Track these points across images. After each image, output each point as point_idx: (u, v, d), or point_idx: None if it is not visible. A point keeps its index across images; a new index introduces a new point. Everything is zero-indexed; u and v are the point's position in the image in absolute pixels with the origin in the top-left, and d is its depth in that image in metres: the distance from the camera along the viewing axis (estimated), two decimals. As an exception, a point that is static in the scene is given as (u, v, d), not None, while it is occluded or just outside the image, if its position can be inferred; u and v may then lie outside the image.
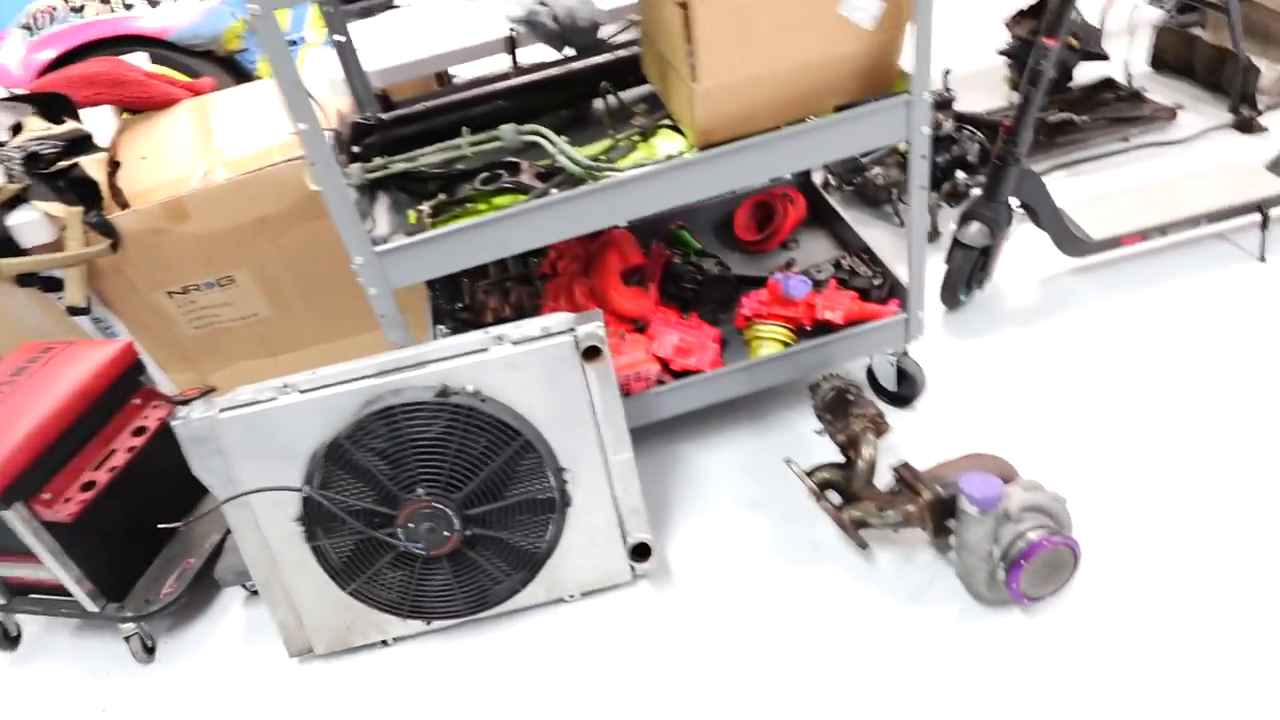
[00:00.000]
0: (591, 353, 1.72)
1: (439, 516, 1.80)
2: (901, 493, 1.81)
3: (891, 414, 2.25)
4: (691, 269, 2.28)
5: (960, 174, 2.85)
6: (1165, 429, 2.06)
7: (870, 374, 2.29)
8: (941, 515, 1.76)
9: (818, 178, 3.14)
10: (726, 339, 2.27)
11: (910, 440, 2.17)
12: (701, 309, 2.30)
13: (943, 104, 2.90)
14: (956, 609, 1.78)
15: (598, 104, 2.11)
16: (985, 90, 3.43)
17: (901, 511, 1.78)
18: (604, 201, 1.72)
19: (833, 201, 2.60)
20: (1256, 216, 2.42)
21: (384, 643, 2.02)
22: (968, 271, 2.38)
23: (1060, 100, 3.25)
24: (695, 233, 2.61)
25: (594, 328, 1.74)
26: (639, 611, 1.95)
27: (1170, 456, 1.99)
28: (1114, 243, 2.43)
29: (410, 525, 1.80)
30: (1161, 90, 3.31)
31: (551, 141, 1.73)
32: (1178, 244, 2.56)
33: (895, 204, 2.95)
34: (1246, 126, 2.98)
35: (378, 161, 1.86)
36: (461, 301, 2.53)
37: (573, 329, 1.75)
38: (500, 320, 2.43)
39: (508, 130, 1.78)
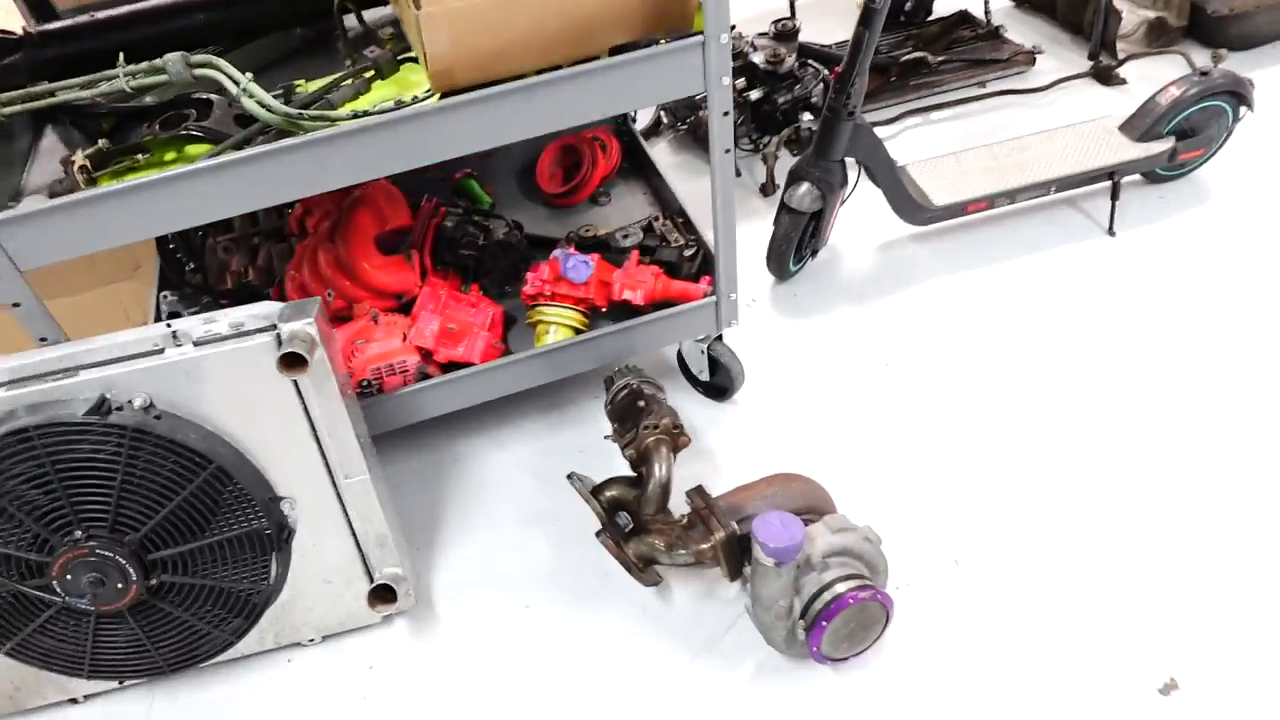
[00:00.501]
0: (292, 361, 1.32)
1: (107, 566, 1.39)
2: (695, 526, 1.51)
3: (704, 409, 1.95)
4: (472, 231, 1.89)
5: (806, 116, 2.53)
6: (1007, 431, 1.83)
7: (681, 360, 1.97)
8: (739, 555, 1.47)
9: (644, 117, 2.77)
10: (515, 316, 1.90)
11: (722, 444, 1.87)
12: (487, 280, 1.92)
13: (786, 34, 2.55)
14: (753, 664, 1.51)
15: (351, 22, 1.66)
16: (839, 19, 3.09)
17: (693, 551, 1.48)
18: (310, 160, 1.30)
19: (654, 147, 2.23)
20: (1108, 184, 2.19)
21: (73, 700, 1.62)
22: (796, 239, 2.07)
23: (915, 37, 2.95)
24: (491, 182, 2.21)
25: (300, 327, 1.34)
26: (388, 658, 1.61)
27: (1013, 465, 1.77)
28: (958, 209, 2.16)
29: (67, 577, 1.39)
30: (1021, 29, 3.06)
31: (232, 78, 1.28)
32: (1026, 210, 2.32)
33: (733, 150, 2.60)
34: (1105, 77, 2.76)
35: (12, 94, 1.38)
36: (194, 262, 2.06)
37: (275, 326, 1.35)
38: (243, 287, 1.99)
39: (174, 60, 1.32)
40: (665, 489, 1.55)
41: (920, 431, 1.85)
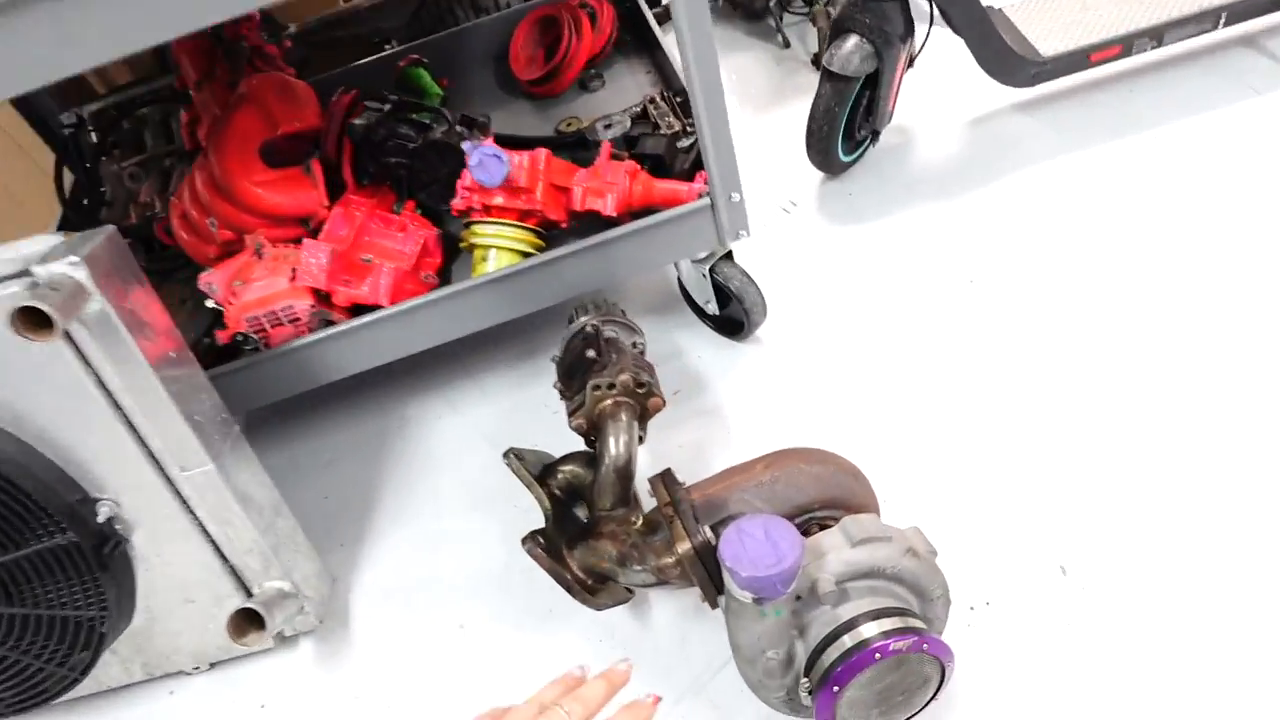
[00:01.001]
0: (31, 320, 0.91)
1: None
2: (658, 530, 1.04)
3: (715, 351, 1.46)
4: (403, 133, 1.43)
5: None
6: (1147, 381, 1.27)
7: (683, 288, 1.48)
8: (718, 574, 0.99)
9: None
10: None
11: (734, 400, 1.38)
12: (424, 195, 1.47)
13: None
14: (753, 716, 1.05)
15: None
16: None
17: (652, 567, 1.01)
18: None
19: (653, 15, 1.70)
20: (1307, 7, 1.53)
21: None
22: (844, 115, 1.52)
23: None
24: (456, 71, 1.75)
25: (59, 271, 0.93)
26: (285, 693, 1.24)
27: (1155, 434, 1.21)
28: (1079, 60, 1.55)
29: None
30: None
31: None
32: (1181, 57, 1.68)
33: (779, 16, 2.04)
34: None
35: None
36: (102, 188, 1.70)
37: (27, 271, 0.95)
38: (149, 222, 1.61)
39: None
40: (622, 474, 1.08)
41: (1015, 381, 1.30)
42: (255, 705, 1.23)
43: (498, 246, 1.29)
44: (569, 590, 1.07)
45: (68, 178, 1.72)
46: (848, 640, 0.88)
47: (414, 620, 1.26)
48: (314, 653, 1.27)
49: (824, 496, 1.01)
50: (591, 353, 1.13)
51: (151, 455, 1.07)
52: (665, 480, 1.05)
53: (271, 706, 1.23)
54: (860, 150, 1.65)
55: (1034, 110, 1.68)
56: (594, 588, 1.09)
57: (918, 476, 1.21)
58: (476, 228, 1.30)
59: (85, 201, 1.67)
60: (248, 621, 1.17)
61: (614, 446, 1.09)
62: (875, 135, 1.63)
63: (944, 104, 1.74)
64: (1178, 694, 0.98)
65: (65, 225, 1.67)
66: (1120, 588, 1.07)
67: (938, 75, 1.71)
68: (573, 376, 1.15)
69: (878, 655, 0.86)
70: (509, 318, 1.32)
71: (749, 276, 1.36)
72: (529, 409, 1.46)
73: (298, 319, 1.28)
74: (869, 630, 0.88)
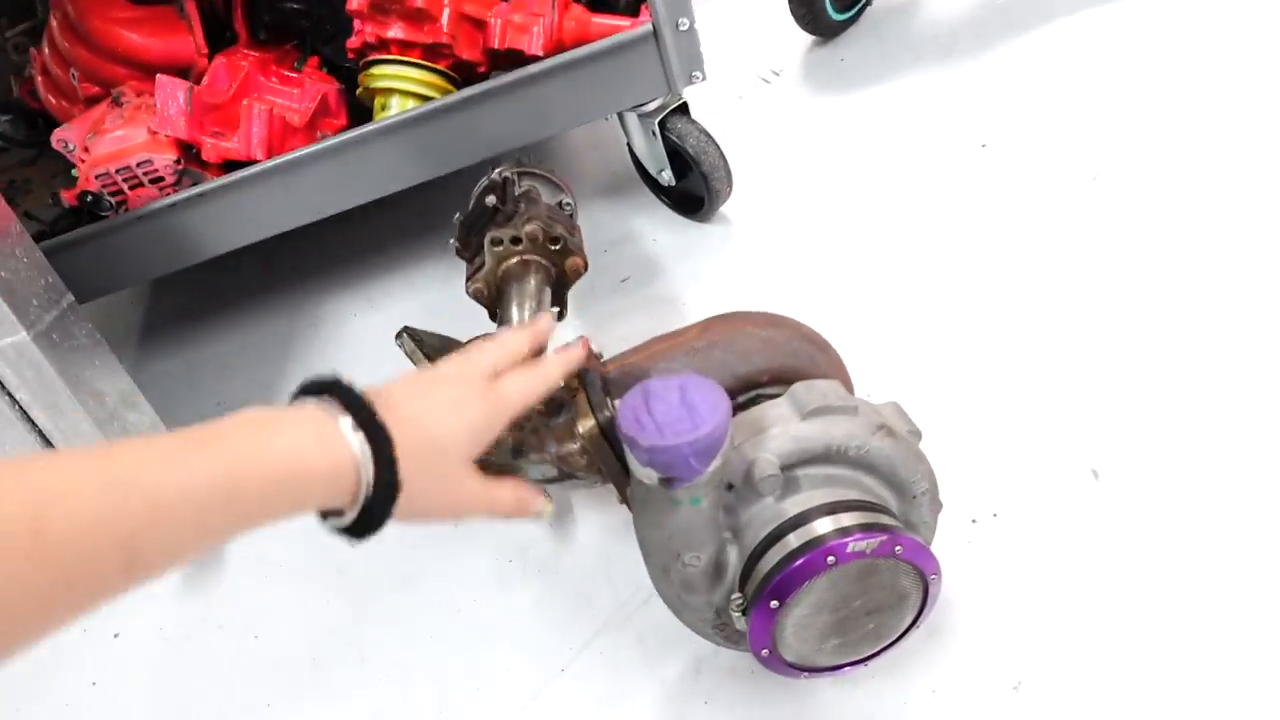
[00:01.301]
0: None
1: None
2: (563, 409, 0.81)
3: (675, 235, 1.22)
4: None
5: None
6: (1188, 259, 1.02)
7: (635, 160, 1.24)
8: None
9: None
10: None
11: (695, 287, 1.15)
12: (329, 50, 1.24)
13: None
14: (685, 663, 0.82)
15: None
16: None
17: (555, 456, 0.79)
18: None
19: None
20: None
21: None
22: (835, -43, 1.27)
23: None
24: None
25: None
26: (139, 621, 1.03)
27: (1192, 317, 0.96)
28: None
29: None
30: None
31: None
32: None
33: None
34: None
35: None
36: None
37: None
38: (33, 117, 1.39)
39: None
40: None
41: (1030, 260, 1.06)
42: (109, 635, 1.03)
43: (399, 91, 1.06)
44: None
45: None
46: (793, 540, 0.65)
47: (292, 542, 1.05)
48: (176, 578, 1.06)
49: (776, 367, 0.77)
50: (492, 199, 0.90)
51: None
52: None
53: (126, 636, 1.02)
54: (856, 8, 1.40)
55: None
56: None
57: (910, 373, 0.98)
58: (374, 69, 1.07)
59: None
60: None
61: (516, 314, 0.86)
62: (872, -13, 1.39)
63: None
64: (1228, 614, 0.74)
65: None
66: (1158, 492, 0.83)
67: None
68: (472, 233, 0.92)
69: (831, 559, 0.63)
70: (418, 180, 1.10)
71: (708, 135, 1.12)
72: (464, 303, 1.23)
73: (160, 179, 1.06)
74: (822, 526, 0.65)
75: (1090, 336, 0.96)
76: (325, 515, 0.46)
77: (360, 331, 1.27)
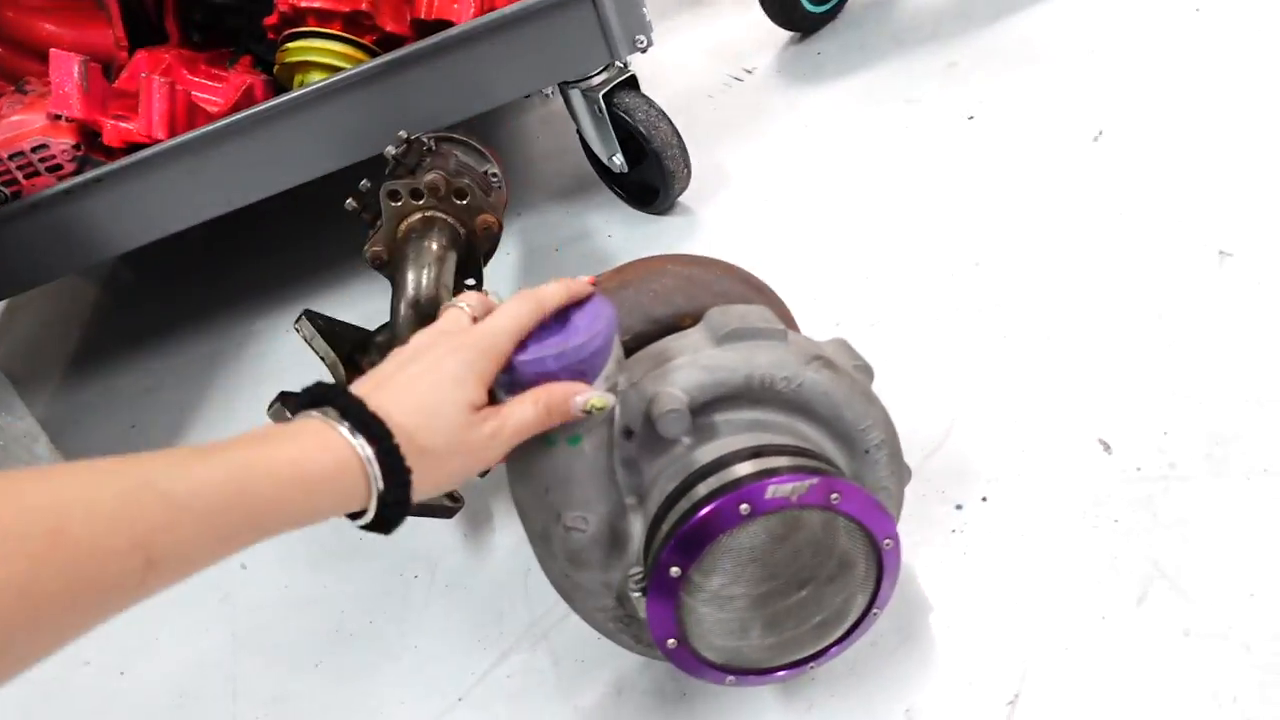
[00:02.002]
0: None
1: None
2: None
3: (635, 229, 1.11)
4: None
5: None
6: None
7: (588, 153, 1.14)
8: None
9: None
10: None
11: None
12: (263, 48, 1.17)
13: None
14: (607, 687, 0.67)
15: None
16: None
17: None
18: None
19: None
20: None
21: None
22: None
23: None
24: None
25: None
26: None
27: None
28: None
29: None
30: None
31: None
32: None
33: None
34: None
35: None
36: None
37: None
38: None
39: None
40: (425, 316, 0.73)
41: (1023, 229, 0.92)
42: None
43: (316, 64, 0.97)
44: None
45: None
46: (701, 490, 0.51)
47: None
48: (55, 611, 0.92)
49: (700, 309, 0.63)
50: (391, 149, 0.79)
51: None
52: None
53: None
54: (834, 1, 1.31)
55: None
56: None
57: (888, 371, 0.83)
58: (290, 44, 0.99)
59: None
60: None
61: (412, 277, 0.74)
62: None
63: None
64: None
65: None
66: (1177, 469, 0.67)
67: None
68: (371, 193, 0.81)
69: (745, 507, 0.49)
70: (338, 164, 1.00)
71: (660, 110, 1.02)
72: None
73: (59, 167, 0.98)
74: (740, 469, 0.51)
75: (1091, 306, 0.81)
76: (352, 517, 0.44)
77: (287, 344, 1.16)
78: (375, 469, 0.42)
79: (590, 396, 0.48)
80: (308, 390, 0.44)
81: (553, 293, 0.51)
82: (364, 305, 1.17)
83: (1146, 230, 0.86)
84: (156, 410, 1.15)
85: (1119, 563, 0.63)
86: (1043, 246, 0.89)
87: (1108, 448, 0.70)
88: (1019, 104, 1.07)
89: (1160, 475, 0.67)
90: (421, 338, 0.49)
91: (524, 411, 0.47)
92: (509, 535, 0.81)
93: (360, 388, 0.46)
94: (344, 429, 0.42)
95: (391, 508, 0.43)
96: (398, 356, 0.48)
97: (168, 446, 0.42)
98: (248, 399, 1.10)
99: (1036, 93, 1.07)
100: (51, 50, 0.95)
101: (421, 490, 0.44)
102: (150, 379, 1.20)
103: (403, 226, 0.78)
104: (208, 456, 0.38)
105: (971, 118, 1.06)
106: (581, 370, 0.48)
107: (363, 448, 0.41)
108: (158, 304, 1.37)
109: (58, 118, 0.96)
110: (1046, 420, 0.73)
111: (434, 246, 0.76)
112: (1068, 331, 0.80)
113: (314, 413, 0.43)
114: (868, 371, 0.58)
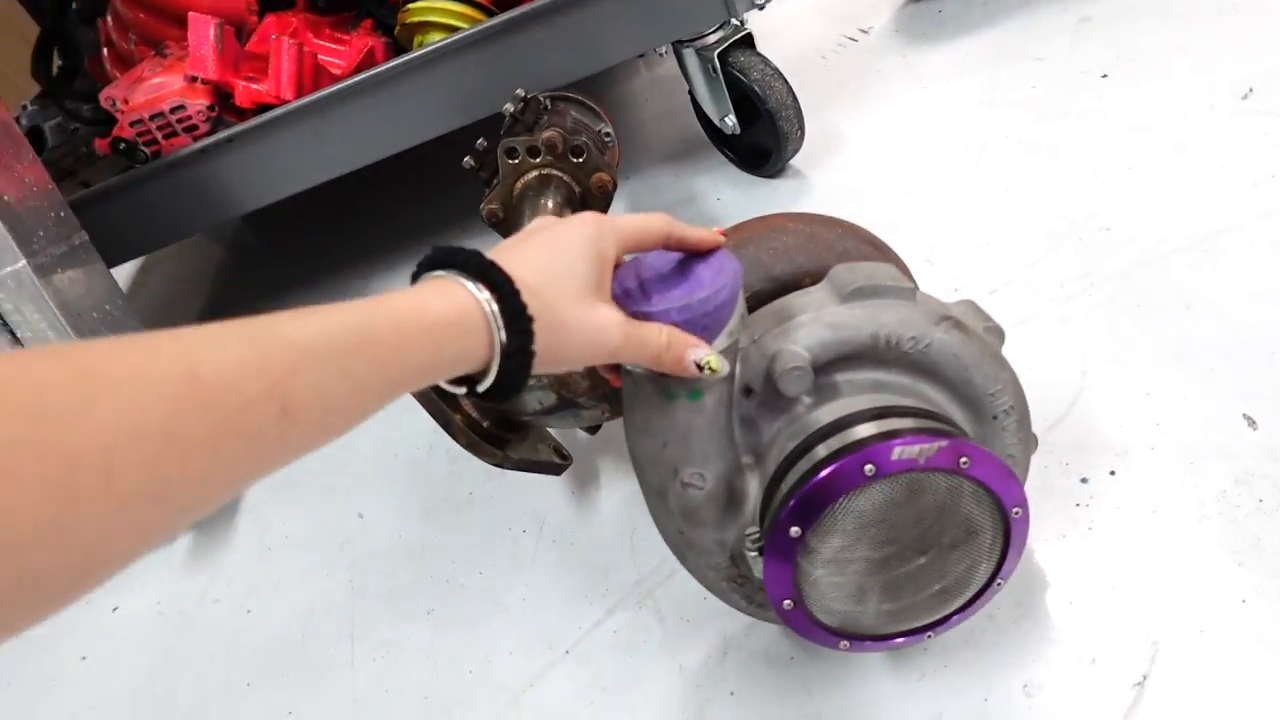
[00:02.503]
0: None
1: None
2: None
3: (743, 194, 1.09)
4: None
5: None
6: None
7: (699, 115, 1.12)
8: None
9: None
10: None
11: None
12: (383, 12, 1.19)
13: None
14: (711, 649, 0.67)
15: None
16: None
17: (552, 378, 0.66)
18: None
19: None
20: None
21: None
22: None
23: None
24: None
25: None
26: (141, 592, 0.95)
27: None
28: None
29: None
30: None
31: None
32: None
33: None
34: None
35: None
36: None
37: None
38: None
39: None
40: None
41: (1163, 188, 0.87)
42: (108, 609, 0.95)
43: (435, 24, 0.99)
44: (451, 433, 0.72)
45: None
46: (822, 451, 0.50)
47: (297, 515, 0.95)
48: (188, 549, 0.98)
49: (821, 268, 0.62)
50: (510, 106, 0.80)
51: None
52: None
53: (124, 610, 0.94)
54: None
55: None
56: (497, 436, 0.74)
57: (1009, 325, 0.80)
58: (411, 4, 1.01)
59: (62, 67, 1.50)
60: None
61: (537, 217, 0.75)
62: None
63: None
64: None
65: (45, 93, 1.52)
66: (1351, 451, 0.62)
67: None
68: (489, 151, 0.82)
69: (870, 468, 0.48)
70: (458, 124, 1.01)
71: (776, 69, 1.00)
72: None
73: (195, 127, 1.02)
74: (863, 431, 0.50)
75: (1238, 275, 0.76)
76: (470, 392, 0.44)
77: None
78: (497, 317, 0.42)
79: (707, 354, 0.47)
80: (429, 255, 0.44)
81: (689, 229, 0.51)
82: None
83: (1301, 196, 0.80)
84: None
85: (1262, 545, 0.59)
86: (1182, 212, 0.84)
87: (1253, 423, 0.66)
88: (1158, 61, 1.01)
89: (1311, 455, 0.63)
90: (543, 219, 0.50)
91: (649, 331, 0.47)
92: (615, 494, 0.81)
93: (490, 253, 0.46)
94: (465, 279, 0.42)
95: (513, 358, 0.42)
96: (528, 230, 0.49)
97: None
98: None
99: (1177, 49, 1.01)
100: (190, 13, 0.98)
101: (542, 356, 0.43)
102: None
103: (519, 184, 0.79)
104: (330, 309, 0.38)
105: (1105, 75, 1.01)
106: (705, 324, 0.48)
107: (483, 294, 0.42)
108: (279, 264, 1.43)
109: (194, 79, 1.00)
110: (1184, 392, 0.69)
111: (550, 204, 0.77)
112: (1209, 301, 0.75)
113: (438, 271, 0.43)
114: (998, 334, 0.56)
